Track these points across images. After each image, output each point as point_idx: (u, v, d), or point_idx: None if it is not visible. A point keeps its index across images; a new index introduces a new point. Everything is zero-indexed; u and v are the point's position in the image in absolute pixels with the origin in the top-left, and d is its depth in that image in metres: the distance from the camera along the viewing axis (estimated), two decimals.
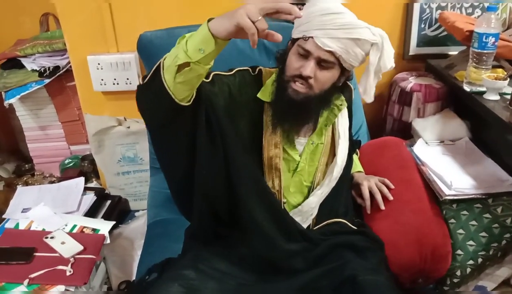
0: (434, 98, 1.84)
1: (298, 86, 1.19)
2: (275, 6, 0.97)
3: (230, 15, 0.99)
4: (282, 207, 1.32)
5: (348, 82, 1.34)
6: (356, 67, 1.24)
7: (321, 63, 1.18)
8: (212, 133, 1.20)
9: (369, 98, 1.28)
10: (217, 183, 1.25)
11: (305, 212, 1.34)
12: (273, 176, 1.30)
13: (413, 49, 2.03)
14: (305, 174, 1.35)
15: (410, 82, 1.89)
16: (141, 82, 1.12)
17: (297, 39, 1.20)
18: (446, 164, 1.57)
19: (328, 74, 1.20)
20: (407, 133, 1.85)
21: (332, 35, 1.14)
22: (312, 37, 1.15)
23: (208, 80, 1.24)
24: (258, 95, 1.29)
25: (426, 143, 1.72)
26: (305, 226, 1.35)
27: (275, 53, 1.33)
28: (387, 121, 2.01)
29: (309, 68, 1.16)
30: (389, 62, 1.22)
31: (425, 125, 1.78)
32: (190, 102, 1.11)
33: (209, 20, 1.03)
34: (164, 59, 1.08)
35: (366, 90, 1.26)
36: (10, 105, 2.15)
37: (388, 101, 2.00)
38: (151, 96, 1.10)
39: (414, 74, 1.98)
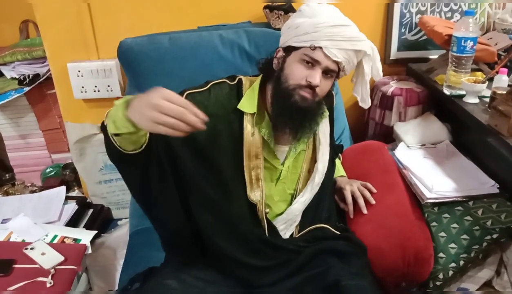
0: (415, 102, 1.85)
1: (306, 93, 1.21)
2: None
3: (140, 111, 0.95)
4: (260, 224, 1.31)
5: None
6: (347, 74, 1.29)
7: (326, 72, 1.22)
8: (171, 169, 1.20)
9: (367, 104, 1.37)
10: (177, 216, 1.25)
11: (289, 220, 1.34)
12: (255, 186, 1.29)
13: (394, 53, 2.05)
14: (288, 182, 1.35)
15: (391, 86, 1.90)
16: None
17: (299, 47, 1.21)
18: (428, 167, 1.59)
19: (329, 83, 1.25)
20: (389, 137, 1.86)
21: (340, 47, 1.19)
22: (321, 47, 1.18)
23: None
24: (239, 106, 1.28)
25: (408, 146, 1.73)
26: (288, 233, 1.35)
27: (257, 61, 1.34)
28: (369, 125, 2.02)
29: (318, 77, 1.19)
30: (380, 70, 1.32)
31: (406, 129, 1.79)
32: (142, 149, 1.09)
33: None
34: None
35: (364, 98, 1.35)
36: None
37: (370, 106, 2.00)
38: (106, 142, 1.09)
39: (395, 78, 1.99)
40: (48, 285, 1.40)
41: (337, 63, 1.20)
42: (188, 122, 0.92)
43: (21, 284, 1.39)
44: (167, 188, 1.20)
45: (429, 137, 1.75)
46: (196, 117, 0.93)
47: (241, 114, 1.27)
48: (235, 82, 1.32)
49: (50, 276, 1.42)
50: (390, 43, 2.03)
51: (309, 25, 1.19)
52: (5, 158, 2.44)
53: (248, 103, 1.27)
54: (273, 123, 1.27)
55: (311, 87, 1.20)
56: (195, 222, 1.27)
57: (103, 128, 1.07)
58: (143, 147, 1.09)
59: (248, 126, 1.27)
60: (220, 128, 1.26)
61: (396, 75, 2.03)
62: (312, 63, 1.20)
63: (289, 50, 1.24)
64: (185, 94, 1.25)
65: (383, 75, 2.00)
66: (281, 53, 1.26)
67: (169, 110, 0.91)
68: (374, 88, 1.97)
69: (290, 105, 1.21)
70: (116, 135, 1.03)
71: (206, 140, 1.23)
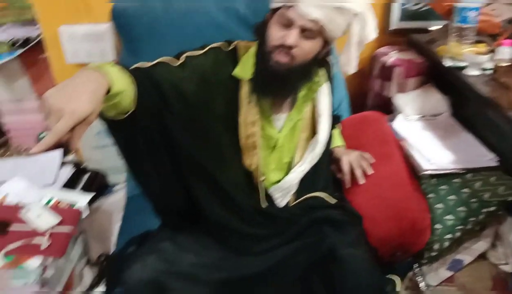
0: (415, 73, 1.83)
1: (281, 57, 1.14)
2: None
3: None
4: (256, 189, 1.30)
5: (327, 58, 1.30)
6: (338, 38, 1.20)
7: (305, 33, 1.13)
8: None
9: (352, 69, 1.25)
10: (170, 186, 1.25)
11: (286, 189, 1.33)
12: (251, 154, 1.27)
13: (395, 23, 2.01)
14: (284, 151, 1.33)
15: (391, 56, 1.88)
16: None
17: (278, 8, 1.15)
18: (426, 139, 1.58)
19: (310, 44, 1.15)
20: (389, 108, 1.85)
21: (316, 4, 1.09)
22: (295, 6, 1.11)
23: (178, 63, 1.19)
24: (234, 73, 1.24)
25: (407, 118, 1.72)
26: (284, 202, 1.34)
27: (254, 26, 1.27)
28: (369, 96, 2.00)
29: (292, 36, 1.11)
30: (372, 32, 1.18)
31: (405, 100, 1.78)
32: (125, 116, 1.06)
33: None
34: None
35: (349, 61, 1.23)
36: None
37: (369, 76, 1.99)
38: None
39: (396, 48, 1.97)
40: (43, 247, 1.40)
41: (316, 22, 1.11)
42: None
43: (18, 244, 1.39)
44: (158, 158, 1.19)
45: (428, 109, 1.74)
46: None
47: (237, 80, 1.24)
48: (231, 47, 1.28)
49: (45, 238, 1.42)
50: (392, 12, 1.99)
51: None
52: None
53: (243, 69, 1.24)
54: (255, 90, 1.22)
55: (288, 48, 1.13)
56: (189, 192, 1.26)
57: None
58: (127, 115, 1.05)
59: (244, 93, 1.24)
60: (215, 95, 1.23)
61: (396, 45, 2.00)
62: (287, 23, 1.12)
63: (273, 12, 1.18)
64: (185, 56, 1.21)
65: (383, 45, 2.01)
66: (268, 16, 1.20)
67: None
68: (374, 58, 1.95)
69: (265, 69, 1.16)
70: None
71: (201, 107, 1.21)
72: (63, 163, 1.98)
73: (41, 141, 0.81)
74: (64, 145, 2.16)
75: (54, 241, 1.43)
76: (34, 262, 1.37)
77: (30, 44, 2.05)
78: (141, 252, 1.22)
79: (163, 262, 1.15)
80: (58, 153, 1.99)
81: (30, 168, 1.91)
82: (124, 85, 0.99)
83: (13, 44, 2.04)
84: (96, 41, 1.87)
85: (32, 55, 2.13)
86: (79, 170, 2.02)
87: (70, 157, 2.20)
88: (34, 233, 1.45)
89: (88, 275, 1.64)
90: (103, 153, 2.14)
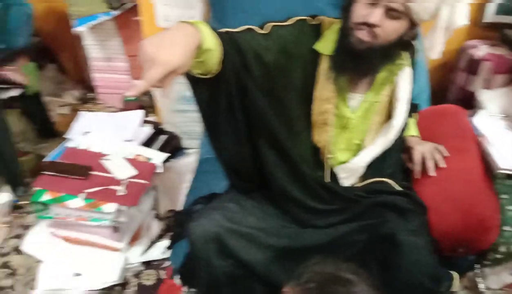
0: (504, 70, 1.75)
1: (363, 34, 1.14)
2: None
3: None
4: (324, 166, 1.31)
5: (412, 42, 1.27)
6: (425, 21, 1.16)
7: (390, 12, 1.11)
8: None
9: (435, 54, 1.22)
10: (241, 148, 1.26)
11: (353, 170, 1.33)
12: (321, 131, 1.28)
13: (490, 16, 1.91)
14: (356, 132, 1.32)
15: (481, 50, 1.80)
16: None
17: None
18: (506, 139, 1.51)
19: (395, 25, 1.13)
20: (470, 104, 1.78)
21: None
22: None
23: (264, 32, 1.21)
24: (315, 47, 1.25)
25: (489, 115, 1.65)
26: (349, 182, 1.35)
27: (341, 2, 1.26)
28: (451, 89, 1.94)
29: (376, 15, 1.10)
30: (462, 19, 1.15)
31: (490, 97, 1.70)
32: (211, 76, 1.09)
33: None
34: None
35: (433, 46, 1.21)
36: (79, 34, 2.22)
37: (454, 68, 1.92)
38: None
39: (487, 42, 1.88)
40: (120, 193, 1.50)
41: (402, 3, 1.08)
42: None
43: (97, 189, 1.51)
44: (235, 120, 1.21)
45: None
46: None
47: (317, 55, 1.25)
48: (316, 22, 1.29)
49: (122, 186, 1.52)
50: (488, 4, 1.90)
51: None
52: (90, 78, 2.58)
53: (325, 45, 1.24)
54: (334, 66, 1.22)
55: (370, 26, 1.11)
56: (259, 157, 1.29)
57: None
58: (213, 75, 1.09)
59: (323, 68, 1.24)
60: (295, 66, 1.24)
61: (488, 39, 1.91)
62: (372, 1, 1.11)
63: None
64: (271, 25, 1.23)
65: (474, 38, 1.92)
66: None
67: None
68: (462, 50, 1.87)
69: (345, 46, 1.16)
70: None
71: (280, 77, 1.23)
72: (144, 122, 2.09)
73: (134, 86, 0.87)
74: (145, 107, 2.28)
75: (129, 191, 1.53)
76: (110, 207, 1.49)
77: (127, 5, 2.15)
78: (207, 208, 1.28)
79: (227, 220, 1.19)
80: (140, 113, 2.10)
81: (114, 123, 2.04)
82: (213, 45, 1.03)
83: (111, 6, 2.16)
84: (187, 8, 1.94)
85: (126, 17, 2.25)
86: (158, 131, 2.13)
87: (150, 118, 2.33)
88: (113, 181, 1.56)
89: (156, 227, 1.75)
90: (181, 118, 2.23)
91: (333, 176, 1.33)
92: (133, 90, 0.87)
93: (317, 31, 1.27)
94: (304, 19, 1.28)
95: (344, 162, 1.33)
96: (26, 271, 1.68)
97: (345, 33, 1.18)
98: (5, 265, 1.72)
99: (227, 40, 1.10)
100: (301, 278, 0.89)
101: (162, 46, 0.88)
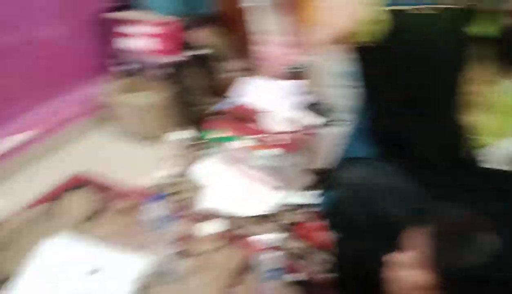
0: None
1: None
2: None
3: None
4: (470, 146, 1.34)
5: None
6: None
7: None
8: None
9: None
10: (390, 114, 1.32)
11: (497, 155, 1.34)
12: (471, 111, 1.30)
13: None
14: (508, 118, 1.32)
15: None
16: None
17: None
18: None
19: None
20: None
21: None
22: None
23: (427, 12, 1.23)
24: (478, 29, 1.23)
25: None
26: (496, 166, 1.34)
27: None
28: None
29: None
30: None
31: None
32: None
33: None
34: None
35: None
36: (246, 8, 2.43)
37: None
38: None
39: None
40: (282, 142, 1.77)
41: None
42: None
43: (262, 135, 1.80)
44: (391, 87, 1.27)
45: None
46: None
47: (480, 36, 1.24)
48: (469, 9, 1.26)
49: (285, 136, 1.78)
50: None
51: None
52: (253, 50, 2.73)
53: (488, 26, 1.24)
54: (496, 49, 1.22)
55: None
56: (406, 125, 1.34)
57: None
58: (378, 45, 1.15)
59: (484, 49, 1.25)
60: (456, 45, 1.27)
61: None
62: None
63: None
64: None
65: None
66: None
67: None
68: None
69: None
70: None
71: (440, 54, 1.27)
72: (301, 93, 2.27)
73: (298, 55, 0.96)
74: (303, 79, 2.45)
75: (291, 142, 1.77)
76: (273, 151, 1.73)
77: None
78: (355, 162, 1.37)
79: (372, 175, 1.27)
80: (300, 82, 2.30)
81: (275, 89, 2.25)
82: (382, 16, 1.11)
83: None
84: None
85: None
86: (314, 102, 2.32)
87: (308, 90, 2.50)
88: (276, 131, 1.81)
89: (306, 179, 1.93)
90: (335, 92, 2.38)
91: (478, 159, 1.35)
92: (297, 58, 0.97)
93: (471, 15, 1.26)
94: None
95: (491, 147, 1.34)
96: (192, 192, 1.90)
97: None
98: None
99: (394, 13, 1.16)
100: (430, 223, 0.90)
101: (333, 13, 0.99)
